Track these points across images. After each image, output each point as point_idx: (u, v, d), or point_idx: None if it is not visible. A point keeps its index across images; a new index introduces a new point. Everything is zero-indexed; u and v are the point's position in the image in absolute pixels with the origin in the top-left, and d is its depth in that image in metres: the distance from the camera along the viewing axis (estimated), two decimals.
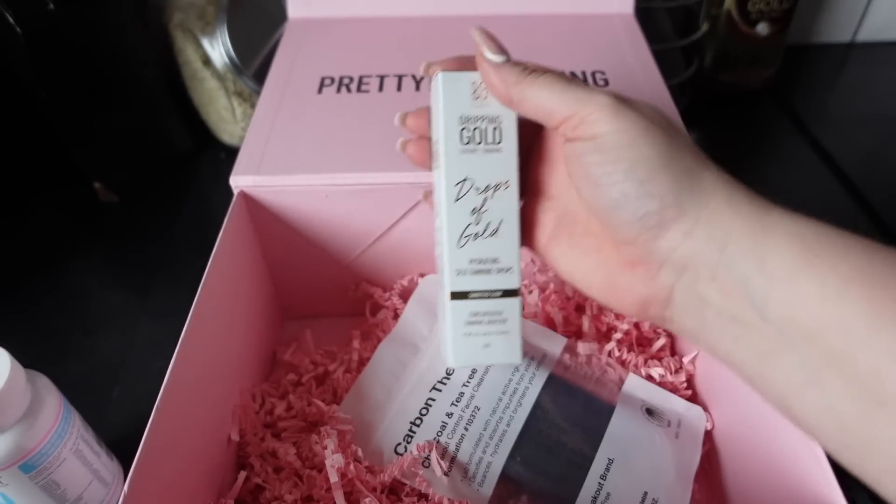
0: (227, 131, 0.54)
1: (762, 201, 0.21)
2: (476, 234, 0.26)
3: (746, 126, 0.59)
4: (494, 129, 0.26)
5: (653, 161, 0.21)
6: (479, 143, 0.26)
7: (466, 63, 0.26)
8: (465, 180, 0.26)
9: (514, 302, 0.27)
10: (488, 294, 0.27)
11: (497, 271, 0.27)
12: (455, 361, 0.27)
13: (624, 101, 0.22)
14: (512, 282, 0.27)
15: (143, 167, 0.54)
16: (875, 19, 0.66)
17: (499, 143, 0.26)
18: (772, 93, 0.61)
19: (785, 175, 0.54)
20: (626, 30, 0.45)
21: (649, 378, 0.35)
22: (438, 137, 0.26)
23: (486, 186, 0.26)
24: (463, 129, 0.26)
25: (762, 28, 0.55)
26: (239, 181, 0.35)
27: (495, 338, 0.27)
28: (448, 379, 0.33)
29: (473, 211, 0.26)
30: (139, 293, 0.46)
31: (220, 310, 0.32)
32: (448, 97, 0.26)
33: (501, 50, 0.25)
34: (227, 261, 0.33)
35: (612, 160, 0.22)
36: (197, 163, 0.56)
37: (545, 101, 0.23)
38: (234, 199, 0.34)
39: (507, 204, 0.26)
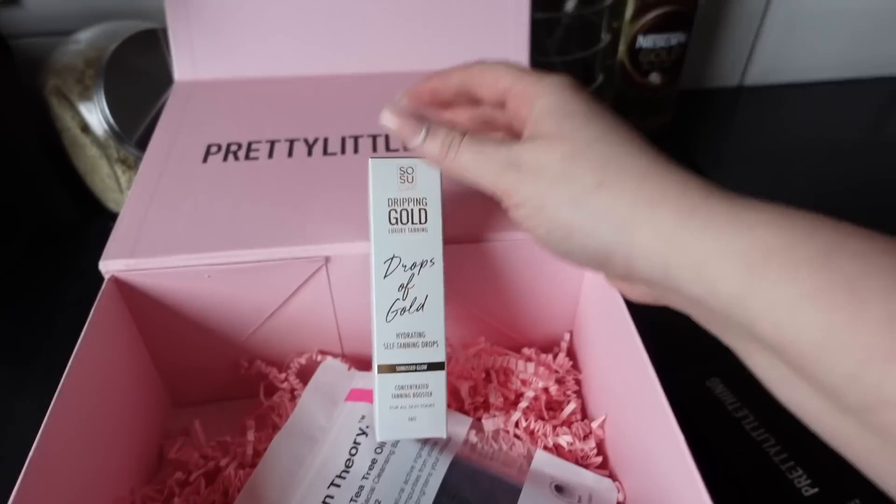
0: (113, 199, 0.50)
1: (681, 211, 0.21)
2: (403, 308, 0.28)
3: None
4: (420, 210, 0.28)
5: (573, 223, 0.22)
6: (406, 223, 0.28)
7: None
8: (392, 258, 0.28)
9: (440, 375, 0.29)
10: (414, 367, 0.28)
11: (423, 345, 0.29)
12: (381, 435, 0.29)
13: (536, 153, 0.23)
14: (437, 355, 0.29)
15: (19, 241, 0.49)
16: (760, 64, 0.70)
17: (424, 223, 0.28)
18: (668, 137, 0.63)
19: None
20: None
21: (557, 448, 0.33)
22: (369, 217, 0.28)
23: (413, 264, 0.28)
24: (391, 210, 0.28)
25: (654, 77, 0.56)
26: (110, 265, 0.32)
27: (421, 411, 0.29)
28: (347, 472, 0.31)
29: (401, 287, 0.28)
30: (10, 386, 0.41)
31: (90, 409, 0.29)
32: (377, 181, 0.28)
33: (415, 126, 0.26)
34: (98, 352, 0.30)
35: (543, 222, 0.23)
36: (83, 233, 0.52)
37: (473, 180, 0.25)
38: (103, 285, 0.31)
39: (433, 280, 0.28)
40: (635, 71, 0.56)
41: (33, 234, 0.50)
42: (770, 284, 0.18)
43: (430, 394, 0.29)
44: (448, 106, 0.30)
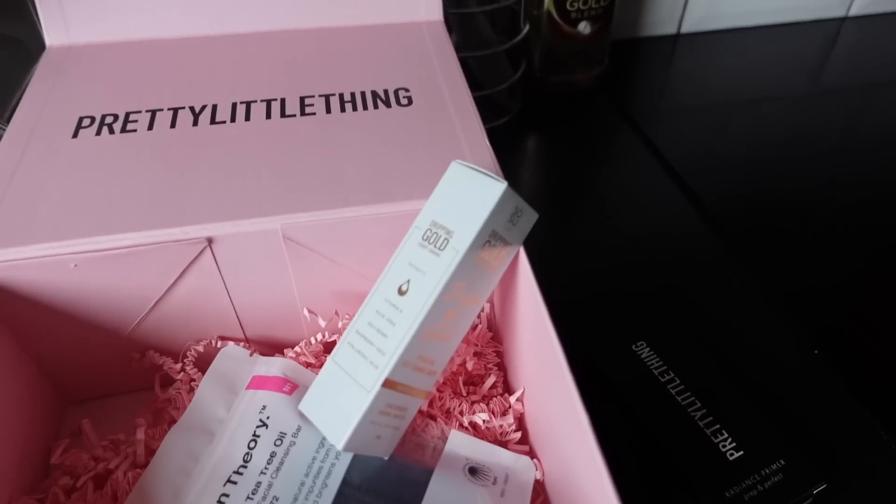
0: None
1: None
2: (438, 335, 0.27)
3: (581, 126, 0.58)
4: (500, 253, 0.28)
5: None
6: (488, 262, 0.27)
7: None
8: (461, 287, 0.27)
9: (419, 402, 0.29)
10: (412, 391, 0.28)
11: (428, 373, 0.28)
12: (346, 447, 0.26)
13: None
14: (430, 384, 0.28)
15: None
16: (697, 9, 0.68)
17: (497, 268, 0.28)
18: (604, 90, 0.61)
19: (619, 173, 0.54)
20: (433, 39, 0.42)
21: (474, 426, 0.32)
22: (459, 235, 0.26)
23: (471, 297, 0.27)
24: (487, 241, 0.27)
25: (584, 27, 0.54)
26: None
27: (388, 431, 0.28)
28: (245, 467, 0.28)
29: (450, 315, 0.27)
30: None
31: None
32: (497, 210, 0.26)
33: None
34: None
35: None
36: None
37: None
38: None
39: (470, 318, 0.28)
40: (563, 20, 0.53)
41: None
42: None
43: (403, 418, 0.28)
44: None
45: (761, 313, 0.41)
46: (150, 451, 0.31)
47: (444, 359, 0.28)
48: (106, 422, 0.33)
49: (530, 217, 0.28)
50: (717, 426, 0.33)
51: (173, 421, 0.32)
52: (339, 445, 0.26)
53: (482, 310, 0.36)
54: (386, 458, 0.29)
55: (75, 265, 0.29)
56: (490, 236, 0.27)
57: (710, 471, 0.31)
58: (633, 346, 0.37)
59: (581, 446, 0.23)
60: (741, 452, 0.32)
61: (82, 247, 0.28)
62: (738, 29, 0.70)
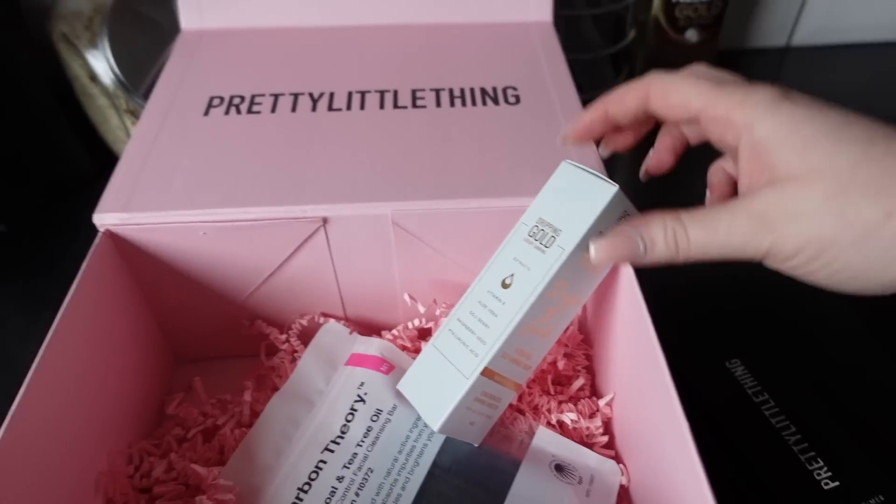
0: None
1: None
2: (538, 330, 0.27)
3: None
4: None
5: (862, 263, 0.20)
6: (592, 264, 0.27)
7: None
8: (563, 286, 0.27)
9: (512, 395, 0.29)
10: (506, 381, 0.28)
11: (524, 367, 0.28)
12: (441, 428, 0.27)
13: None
14: (524, 378, 0.29)
15: (35, 192, 0.49)
16: (810, 22, 0.65)
17: (601, 270, 0.28)
18: None
19: None
20: (542, 39, 0.42)
21: (561, 424, 0.32)
22: (566, 234, 0.26)
23: (571, 297, 0.28)
24: (585, 237, 0.26)
25: (691, 35, 0.53)
26: (104, 219, 0.31)
27: (481, 419, 0.29)
28: (342, 437, 0.30)
29: (550, 313, 0.27)
30: (22, 336, 0.41)
31: (82, 363, 0.28)
32: (609, 209, 0.26)
33: (627, 243, 0.24)
34: (91, 307, 0.29)
35: (822, 268, 0.21)
36: (98, 184, 0.52)
37: (721, 256, 0.22)
38: (97, 239, 0.30)
39: (568, 318, 0.28)
40: (671, 27, 0.52)
41: (48, 183, 0.50)
42: None
43: (497, 408, 0.29)
44: (618, 131, 0.28)
45: (863, 339, 0.40)
46: (254, 413, 0.33)
47: (539, 355, 0.29)
48: (212, 382, 0.36)
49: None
50: (813, 453, 0.32)
51: (275, 387, 0.34)
52: (435, 427, 0.27)
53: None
54: (476, 444, 0.30)
55: (204, 233, 0.31)
56: (593, 237, 0.27)
57: (804, 499, 0.30)
58: (727, 364, 0.36)
59: (679, 459, 0.23)
60: (837, 483, 0.31)
61: (212, 216, 0.31)
62: (853, 45, 0.67)
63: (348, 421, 0.31)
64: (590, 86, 0.51)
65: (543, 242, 0.27)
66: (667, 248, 0.23)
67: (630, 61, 0.55)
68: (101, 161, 0.52)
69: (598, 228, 0.27)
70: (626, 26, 0.51)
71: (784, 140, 0.20)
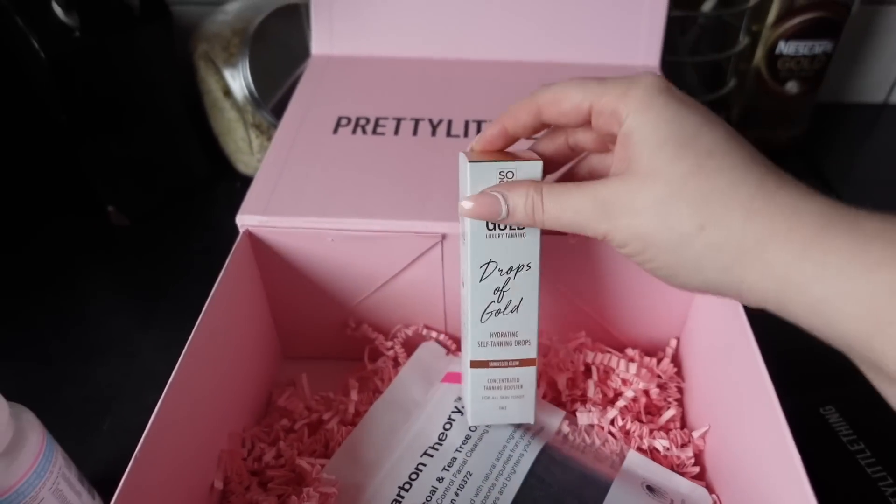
0: (243, 161, 0.54)
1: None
2: (498, 310, 0.28)
3: None
4: None
5: (678, 265, 0.22)
6: (504, 228, 0.27)
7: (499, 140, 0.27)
8: (489, 262, 0.28)
9: (530, 370, 0.30)
10: (506, 363, 0.29)
11: (516, 343, 0.29)
12: (473, 420, 0.31)
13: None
14: (529, 352, 0.29)
15: (158, 192, 0.54)
16: None
17: (522, 228, 0.27)
18: (799, 151, 0.59)
19: None
20: None
21: (653, 451, 0.33)
22: (467, 221, 0.27)
23: (510, 268, 0.28)
24: None
25: (791, 86, 0.53)
26: (245, 220, 0.34)
27: (511, 401, 0.30)
28: (440, 444, 0.31)
29: (496, 290, 0.28)
30: (141, 321, 0.45)
31: (217, 348, 0.31)
32: (475, 185, 0.26)
33: (492, 203, 0.26)
34: (228, 298, 0.32)
35: (648, 261, 0.23)
36: (213, 190, 0.56)
37: (570, 230, 0.24)
38: (238, 237, 0.34)
39: (529, 284, 0.28)
40: (772, 78, 0.53)
41: (170, 185, 0.54)
42: None
43: (521, 386, 0.30)
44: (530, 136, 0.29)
45: None
46: (357, 413, 0.35)
47: (528, 328, 0.29)
48: (315, 380, 0.38)
49: (530, 169, 0.26)
50: None
51: (377, 390, 0.37)
52: (469, 421, 0.31)
53: (670, 344, 0.38)
54: (531, 421, 0.31)
55: (332, 240, 0.34)
56: None
57: None
58: (821, 410, 0.36)
59: (788, 496, 0.24)
60: None
61: (340, 225, 0.33)
62: None
63: (446, 429, 0.32)
64: None
65: (464, 240, 0.28)
66: (525, 214, 0.25)
67: (727, 109, 0.56)
68: (218, 168, 0.57)
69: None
70: (726, 75, 0.53)
71: (645, 137, 0.21)
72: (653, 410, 0.35)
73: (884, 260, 0.17)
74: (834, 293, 0.18)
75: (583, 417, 0.34)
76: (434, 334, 0.38)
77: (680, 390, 0.36)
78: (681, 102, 0.22)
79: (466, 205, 0.26)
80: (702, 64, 0.52)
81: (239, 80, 0.49)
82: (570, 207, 0.23)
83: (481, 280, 0.28)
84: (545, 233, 0.28)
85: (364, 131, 0.39)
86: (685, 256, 0.21)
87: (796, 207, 0.19)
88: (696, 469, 0.32)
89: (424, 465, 0.31)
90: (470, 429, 0.32)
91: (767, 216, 0.19)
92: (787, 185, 0.20)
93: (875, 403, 0.37)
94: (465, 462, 0.31)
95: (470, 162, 0.26)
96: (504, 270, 0.28)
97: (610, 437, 0.33)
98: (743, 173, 0.20)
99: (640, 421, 0.34)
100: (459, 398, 0.34)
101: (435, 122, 0.40)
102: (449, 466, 0.31)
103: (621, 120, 0.23)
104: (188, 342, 0.28)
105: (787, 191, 0.20)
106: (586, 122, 0.25)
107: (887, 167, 0.60)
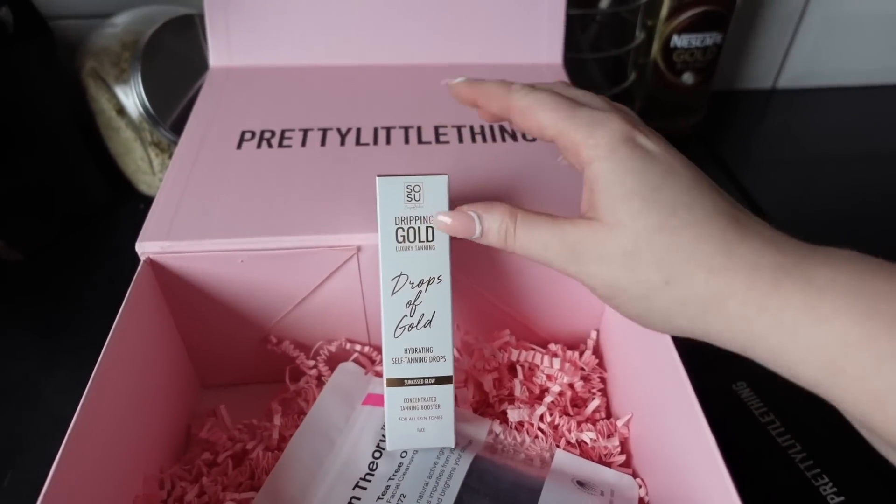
0: (144, 182, 0.51)
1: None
2: (411, 325, 0.28)
3: None
4: (427, 228, 0.28)
5: (645, 313, 0.23)
6: (413, 241, 0.28)
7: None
8: (399, 276, 0.28)
9: (447, 388, 0.29)
10: (422, 381, 0.29)
11: (431, 360, 0.29)
12: (391, 445, 0.30)
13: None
14: (445, 369, 0.29)
15: (52, 220, 0.50)
16: (794, 67, 0.69)
17: (431, 240, 0.28)
18: (699, 138, 0.62)
19: None
20: (554, 80, 0.45)
21: (581, 444, 0.33)
22: (377, 234, 0.28)
23: (420, 281, 0.28)
24: (398, 228, 0.28)
25: (687, 78, 0.56)
26: (146, 247, 0.32)
27: (429, 422, 0.30)
28: (372, 475, 0.31)
29: (408, 304, 0.28)
30: (42, 363, 0.42)
31: (124, 386, 0.29)
32: (384, 200, 0.27)
33: (468, 223, 0.27)
34: (132, 333, 0.30)
35: (617, 305, 0.24)
36: (114, 214, 0.53)
37: (538, 262, 0.25)
38: (139, 267, 0.32)
39: (441, 297, 0.28)
40: (668, 70, 0.55)
41: (66, 213, 0.51)
42: (852, 378, 0.18)
43: (438, 406, 0.30)
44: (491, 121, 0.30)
45: None
46: (283, 438, 0.34)
47: (442, 343, 0.29)
48: (237, 407, 0.37)
49: (436, 183, 0.28)
50: (818, 470, 0.33)
51: (301, 411, 0.35)
52: (387, 446, 0.30)
53: (591, 337, 0.38)
54: (451, 445, 0.30)
55: (242, 261, 0.32)
56: (397, 222, 0.28)
57: None
58: (733, 386, 0.38)
59: (707, 474, 0.25)
60: (842, 498, 0.32)
61: (250, 244, 0.32)
62: (835, 88, 0.71)
63: (375, 458, 0.31)
64: None
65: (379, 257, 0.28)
66: (497, 238, 0.26)
67: (630, 101, 0.58)
68: (118, 191, 0.53)
69: (391, 214, 0.28)
70: (627, 69, 0.55)
71: (610, 187, 0.22)
72: (579, 403, 0.36)
73: (834, 312, 0.19)
74: (791, 345, 0.19)
75: (513, 414, 0.34)
76: (358, 347, 0.37)
77: (603, 381, 0.37)
78: (644, 153, 0.22)
79: (444, 219, 0.27)
80: (603, 59, 0.54)
81: (132, 97, 0.46)
82: (540, 241, 0.24)
83: (393, 293, 0.28)
84: (454, 239, 0.28)
85: (270, 145, 0.38)
86: (654, 306, 0.22)
87: (756, 263, 0.20)
88: (623, 457, 0.33)
89: (358, 498, 0.30)
90: (401, 455, 0.31)
91: (728, 274, 0.20)
92: (747, 236, 0.21)
93: (782, 378, 0.39)
94: (398, 486, 0.30)
95: (378, 176, 0.26)
96: (415, 283, 0.28)
97: (540, 433, 0.34)
98: (705, 228, 0.21)
99: (568, 414, 0.35)
100: (384, 426, 0.33)
101: (343, 131, 0.39)
102: (383, 495, 0.30)
103: (583, 162, 0.23)
104: (89, 383, 0.26)
105: (748, 244, 0.21)
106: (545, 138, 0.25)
107: (778, 147, 0.64)
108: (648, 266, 0.21)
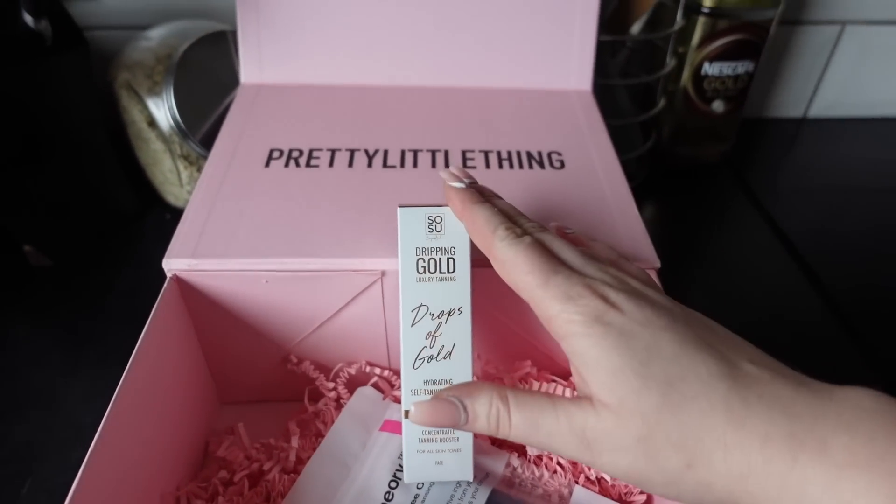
0: (172, 193, 0.52)
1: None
2: (430, 356, 0.28)
3: (702, 198, 0.59)
4: (448, 259, 0.28)
5: (672, 496, 0.21)
6: (434, 272, 0.28)
7: None
8: (420, 307, 0.28)
9: None
10: None
11: None
12: (408, 478, 0.29)
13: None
14: None
15: (82, 228, 0.51)
16: (825, 97, 0.68)
17: (452, 272, 0.28)
18: (727, 165, 0.62)
19: (739, 248, 0.54)
20: (583, 107, 0.44)
21: (600, 481, 0.33)
22: (398, 264, 0.27)
23: (441, 312, 0.28)
24: (419, 259, 0.28)
25: (717, 105, 0.55)
26: (173, 264, 0.32)
27: (447, 455, 0.29)
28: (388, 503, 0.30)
29: (428, 335, 0.28)
30: (64, 371, 0.42)
31: (147, 401, 0.29)
32: (405, 230, 0.27)
33: (450, 412, 0.25)
34: (157, 347, 0.30)
35: (638, 487, 0.22)
36: (142, 225, 0.54)
37: (540, 447, 0.24)
38: (166, 283, 0.32)
39: (461, 329, 0.28)
40: (698, 98, 0.55)
41: (95, 221, 0.51)
42: None
43: (457, 439, 0.29)
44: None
45: None
46: (300, 460, 0.34)
47: (462, 375, 0.28)
48: (255, 426, 0.37)
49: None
50: None
51: (319, 433, 0.35)
52: (405, 479, 0.29)
53: None
54: (469, 478, 0.30)
55: (266, 281, 0.32)
56: (418, 253, 0.27)
57: None
58: None
59: None
60: None
61: (275, 265, 0.32)
62: (867, 119, 0.70)
63: (392, 488, 0.31)
64: (621, 150, 0.53)
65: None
66: (488, 425, 0.23)
67: (658, 128, 0.57)
68: (146, 201, 0.54)
69: (412, 245, 0.27)
70: (656, 95, 0.54)
71: (596, 363, 0.21)
72: None
73: (855, 496, 0.18)
74: None
75: (532, 449, 0.33)
76: (378, 371, 0.37)
77: None
78: (619, 332, 0.21)
79: (416, 415, 0.25)
80: (633, 86, 0.53)
81: (164, 110, 0.46)
82: (543, 429, 0.22)
83: (413, 325, 0.28)
84: (479, 264, 0.28)
85: (297, 164, 0.38)
86: (683, 489, 0.21)
87: (766, 434, 0.19)
88: (643, 497, 0.33)
89: None
90: (417, 486, 0.31)
91: (743, 450, 0.19)
92: (750, 401, 0.20)
93: None
94: None
95: (399, 207, 0.26)
96: (435, 314, 0.28)
97: (559, 468, 0.33)
98: (708, 401, 0.20)
99: None
100: (402, 455, 0.33)
101: (371, 152, 0.39)
102: None
103: (557, 335, 0.23)
104: (114, 397, 0.26)
105: (753, 411, 0.20)
106: None
107: (807, 177, 0.63)
108: (666, 450, 0.20)
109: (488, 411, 0.23)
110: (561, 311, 0.22)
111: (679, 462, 0.20)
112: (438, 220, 0.28)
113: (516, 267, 0.24)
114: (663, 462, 0.20)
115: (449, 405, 0.24)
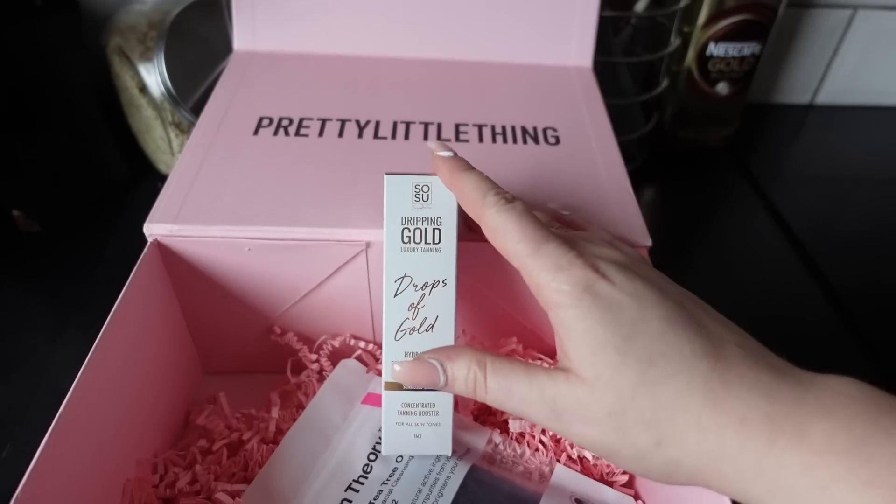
0: (163, 161, 0.51)
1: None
2: (412, 328, 0.27)
3: (703, 183, 0.58)
4: (434, 230, 0.27)
5: (640, 471, 0.21)
6: (419, 242, 0.27)
7: None
8: (403, 277, 0.27)
9: (447, 396, 0.28)
10: (421, 387, 0.27)
11: None
12: (386, 450, 0.29)
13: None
14: None
15: (71, 195, 0.50)
16: (834, 83, 0.67)
17: (438, 243, 0.27)
18: (730, 150, 0.61)
19: (739, 235, 0.53)
20: (582, 84, 0.43)
21: (582, 460, 0.32)
22: (383, 233, 0.27)
23: (425, 284, 0.27)
24: (404, 228, 0.27)
25: (722, 88, 0.54)
26: (154, 229, 0.32)
27: (426, 429, 0.29)
28: (365, 477, 0.30)
29: (411, 307, 0.27)
30: (51, 336, 0.42)
31: (124, 365, 0.29)
32: (391, 198, 0.27)
33: (430, 372, 0.25)
34: (136, 313, 0.30)
35: (608, 459, 0.22)
36: (132, 191, 0.53)
37: (514, 413, 0.24)
38: (146, 248, 0.31)
39: (445, 301, 0.27)
40: (702, 79, 0.54)
41: (85, 188, 0.51)
42: None
43: (437, 413, 0.29)
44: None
45: None
46: (280, 431, 0.34)
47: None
48: (237, 396, 0.36)
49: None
50: None
51: (300, 405, 0.35)
52: (382, 450, 0.29)
53: None
54: (448, 453, 0.29)
55: (249, 249, 0.32)
56: (403, 222, 0.27)
57: None
58: None
59: (711, 497, 0.24)
60: None
61: (258, 233, 0.32)
62: (876, 107, 0.69)
63: (371, 461, 0.31)
64: (621, 130, 0.52)
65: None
66: (465, 388, 0.24)
67: (660, 109, 0.56)
68: (138, 169, 0.53)
69: (398, 214, 0.27)
70: (659, 75, 0.53)
71: (579, 337, 0.21)
72: None
73: (833, 480, 0.17)
74: None
75: (514, 425, 0.33)
76: (362, 344, 0.37)
77: None
78: (608, 302, 0.21)
79: (398, 374, 0.26)
80: (635, 64, 0.52)
81: (155, 76, 0.46)
82: (517, 395, 0.23)
83: (395, 295, 0.27)
84: (467, 238, 0.27)
85: (286, 132, 0.38)
86: (650, 466, 0.21)
87: (744, 417, 0.19)
88: (625, 477, 0.32)
89: (350, 500, 0.29)
90: (396, 459, 0.31)
91: (718, 431, 0.19)
92: (731, 382, 0.19)
93: None
94: (390, 492, 0.29)
95: (386, 174, 0.26)
96: (419, 286, 0.27)
97: (541, 445, 0.33)
98: (687, 379, 0.20)
99: None
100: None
101: (362, 122, 0.39)
102: (374, 500, 0.29)
103: (546, 304, 0.22)
104: (87, 359, 0.26)
105: (733, 392, 0.19)
106: None
107: (812, 166, 0.62)
108: (637, 427, 0.20)
109: (466, 375, 0.24)
110: (550, 280, 0.22)
111: (649, 439, 0.20)
112: (426, 189, 0.27)
113: (507, 234, 0.23)
114: (633, 438, 0.20)
115: (429, 366, 0.25)
